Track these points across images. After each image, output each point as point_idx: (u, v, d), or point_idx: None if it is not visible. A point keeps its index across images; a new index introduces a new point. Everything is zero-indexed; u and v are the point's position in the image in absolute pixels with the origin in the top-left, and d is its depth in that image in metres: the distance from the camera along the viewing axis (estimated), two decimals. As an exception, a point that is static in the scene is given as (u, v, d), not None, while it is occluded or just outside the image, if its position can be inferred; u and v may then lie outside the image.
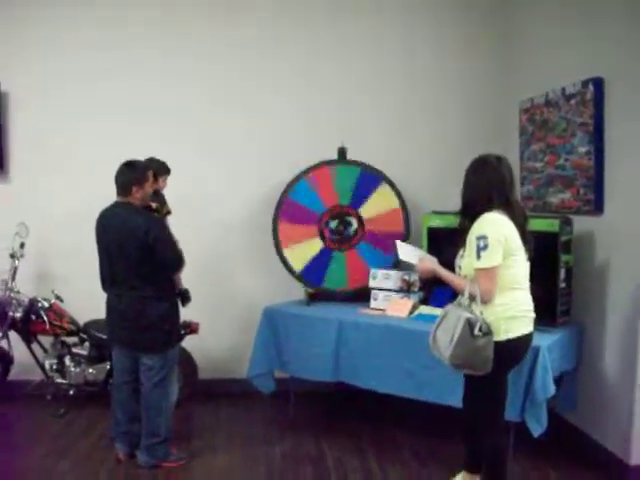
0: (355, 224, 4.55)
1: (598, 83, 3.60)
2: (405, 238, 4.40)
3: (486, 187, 2.78)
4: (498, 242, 2.69)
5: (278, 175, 4.65)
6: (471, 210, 2.79)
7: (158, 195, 4.03)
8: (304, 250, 4.55)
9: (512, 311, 2.78)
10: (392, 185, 4.51)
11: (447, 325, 2.73)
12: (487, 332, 2.66)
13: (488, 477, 2.96)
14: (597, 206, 3.66)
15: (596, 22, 3.69)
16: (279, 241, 4.56)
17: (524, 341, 2.84)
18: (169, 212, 4.16)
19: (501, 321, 2.75)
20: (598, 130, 3.62)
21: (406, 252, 2.95)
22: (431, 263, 2.90)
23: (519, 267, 2.79)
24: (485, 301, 2.70)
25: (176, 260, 3.56)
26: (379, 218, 4.53)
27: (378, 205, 4.52)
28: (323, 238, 4.56)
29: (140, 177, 3.52)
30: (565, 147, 3.91)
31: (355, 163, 4.54)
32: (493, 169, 2.81)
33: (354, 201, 4.54)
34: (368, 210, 4.54)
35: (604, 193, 3.63)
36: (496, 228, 2.71)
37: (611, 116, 3.57)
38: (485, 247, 2.65)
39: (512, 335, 2.76)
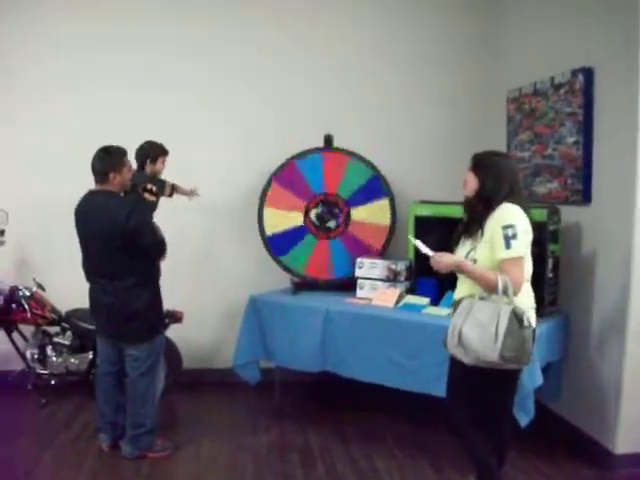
0: (340, 220, 4.50)
1: (588, 73, 3.58)
2: (380, 255, 4.43)
3: (508, 177, 2.76)
4: (525, 232, 2.67)
5: (266, 162, 4.56)
6: (492, 200, 2.73)
7: (155, 181, 3.93)
8: (283, 218, 4.49)
9: (531, 301, 2.80)
10: (393, 205, 4.47)
11: (479, 320, 2.60)
12: (529, 324, 2.64)
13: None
14: (585, 196, 3.66)
15: (586, 11, 3.67)
16: (265, 198, 4.49)
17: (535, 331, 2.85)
18: (174, 190, 4.08)
19: (529, 312, 2.74)
20: (587, 120, 3.61)
21: (421, 245, 2.88)
22: (452, 256, 2.82)
23: (529, 258, 2.78)
24: (516, 292, 2.64)
25: (158, 245, 3.50)
26: (365, 226, 4.49)
27: (371, 214, 4.48)
28: (306, 216, 4.51)
29: (117, 162, 3.38)
30: (553, 137, 3.90)
31: (372, 166, 4.47)
32: (509, 160, 2.94)
33: (352, 199, 4.49)
34: (359, 214, 4.49)
35: (592, 183, 3.63)
36: (521, 219, 2.69)
37: (600, 106, 3.56)
38: (514, 236, 2.62)
39: (534, 325, 2.76)
